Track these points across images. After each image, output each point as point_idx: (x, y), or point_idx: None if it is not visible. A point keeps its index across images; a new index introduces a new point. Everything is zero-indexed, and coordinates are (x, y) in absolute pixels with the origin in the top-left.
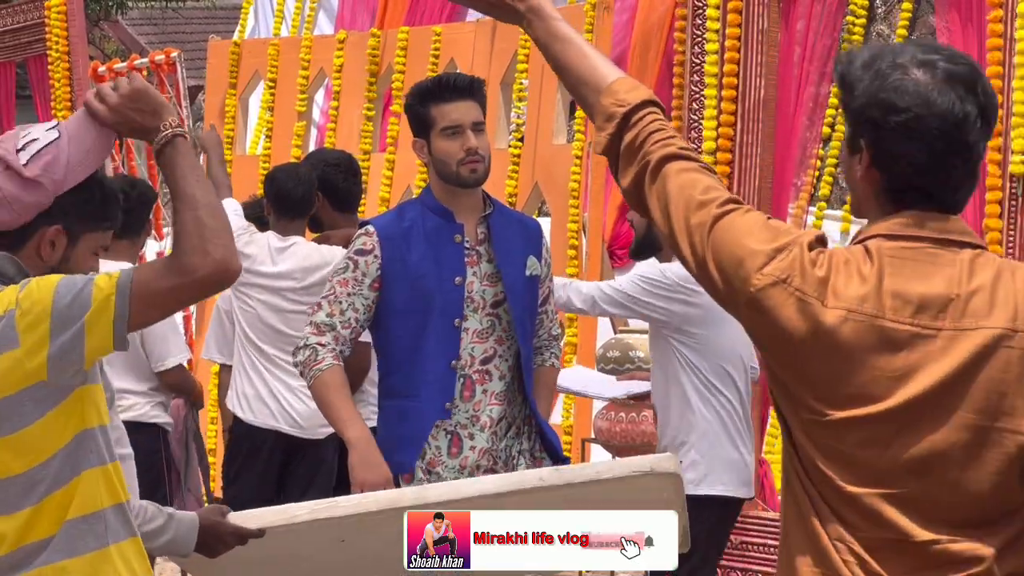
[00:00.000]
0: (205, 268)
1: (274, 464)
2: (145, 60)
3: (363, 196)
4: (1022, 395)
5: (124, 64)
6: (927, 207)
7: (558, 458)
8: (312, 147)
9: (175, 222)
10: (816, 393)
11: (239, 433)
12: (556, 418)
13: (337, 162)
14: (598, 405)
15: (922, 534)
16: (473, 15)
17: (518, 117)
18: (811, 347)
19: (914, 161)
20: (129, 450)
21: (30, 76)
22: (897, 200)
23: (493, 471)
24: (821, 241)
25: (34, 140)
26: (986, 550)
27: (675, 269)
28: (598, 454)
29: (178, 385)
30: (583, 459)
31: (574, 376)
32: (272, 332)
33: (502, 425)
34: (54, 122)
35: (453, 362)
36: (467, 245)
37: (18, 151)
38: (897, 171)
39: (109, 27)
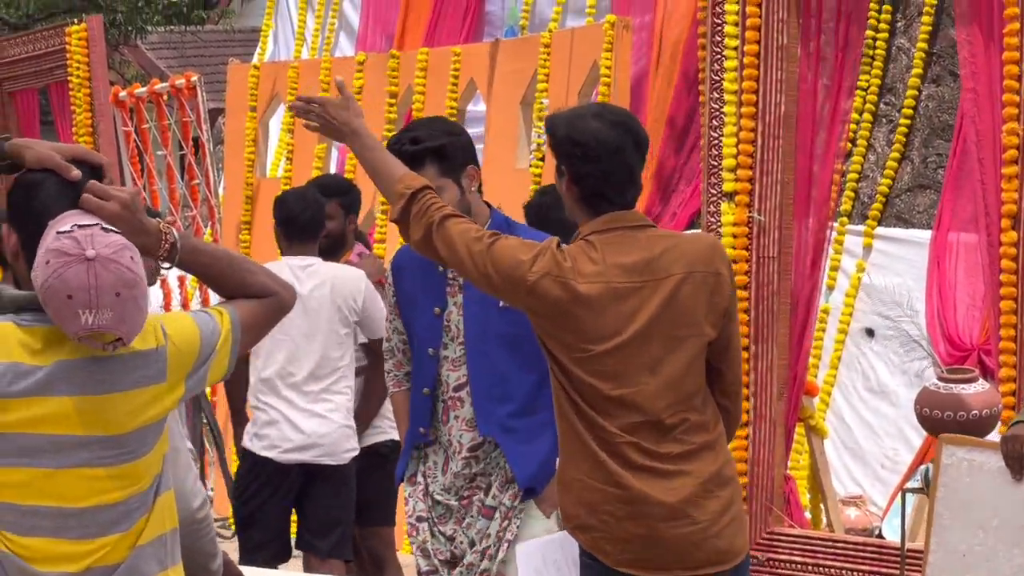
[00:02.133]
0: (288, 298)
1: (292, 493)
2: (165, 85)
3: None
4: (701, 311)
5: (144, 89)
6: (612, 208)
7: (526, 488)
8: (333, 169)
9: (231, 281)
10: (581, 337)
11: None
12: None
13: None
14: None
15: (656, 409)
16: (491, 35)
17: (539, 137)
18: (574, 309)
19: (594, 176)
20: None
21: (52, 102)
22: (592, 204)
23: (470, 496)
24: (559, 245)
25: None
26: (696, 415)
27: None
28: None
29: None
30: None
31: None
32: (301, 353)
33: (474, 450)
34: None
35: (426, 389)
36: (450, 275)
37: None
38: (585, 184)
39: (129, 51)
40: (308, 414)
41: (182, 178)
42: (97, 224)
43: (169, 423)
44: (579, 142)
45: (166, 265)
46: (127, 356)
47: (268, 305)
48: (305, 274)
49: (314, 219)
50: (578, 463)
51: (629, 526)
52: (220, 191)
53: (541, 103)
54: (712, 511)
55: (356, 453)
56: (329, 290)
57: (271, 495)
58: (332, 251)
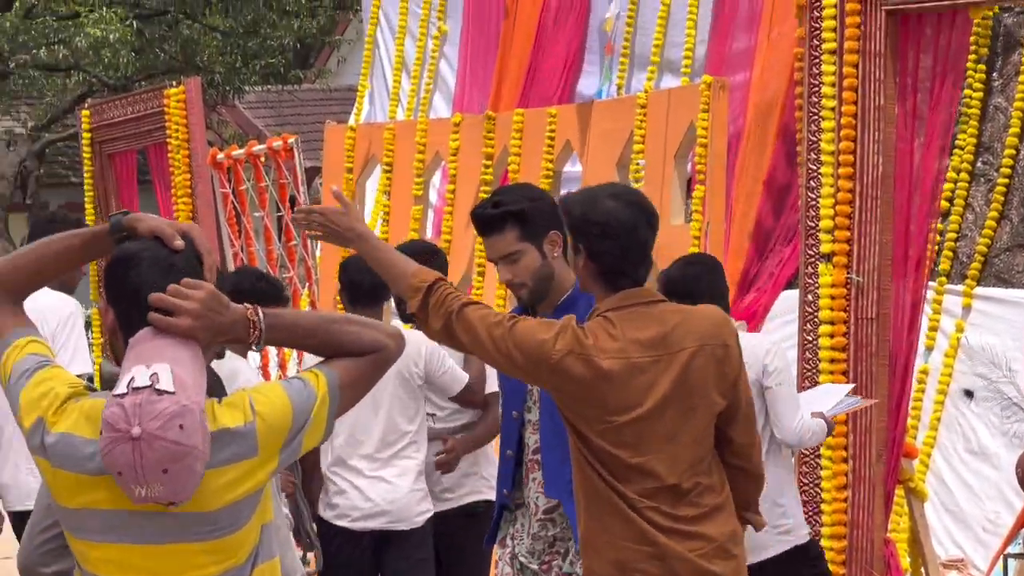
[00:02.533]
0: (395, 347)
1: (368, 559)
2: (263, 146)
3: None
4: (711, 382)
5: (242, 151)
6: (628, 283)
7: None
8: (429, 231)
9: (328, 345)
10: (604, 411)
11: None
12: None
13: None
14: None
15: (673, 475)
16: (585, 95)
17: None
18: (597, 384)
19: (611, 254)
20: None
21: (150, 163)
22: (609, 280)
23: (550, 560)
24: (577, 323)
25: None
26: (706, 479)
27: None
28: None
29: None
30: None
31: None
32: (367, 424)
33: (549, 513)
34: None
35: (509, 451)
36: None
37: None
38: (603, 261)
39: (226, 111)
40: (376, 481)
41: (279, 239)
42: (150, 387)
43: (271, 493)
44: (597, 221)
45: (256, 348)
46: (216, 433)
47: (371, 360)
48: None
49: (376, 284)
50: (607, 525)
51: None
52: (317, 252)
53: (637, 164)
54: (732, 568)
55: (429, 515)
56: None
57: (348, 563)
58: None
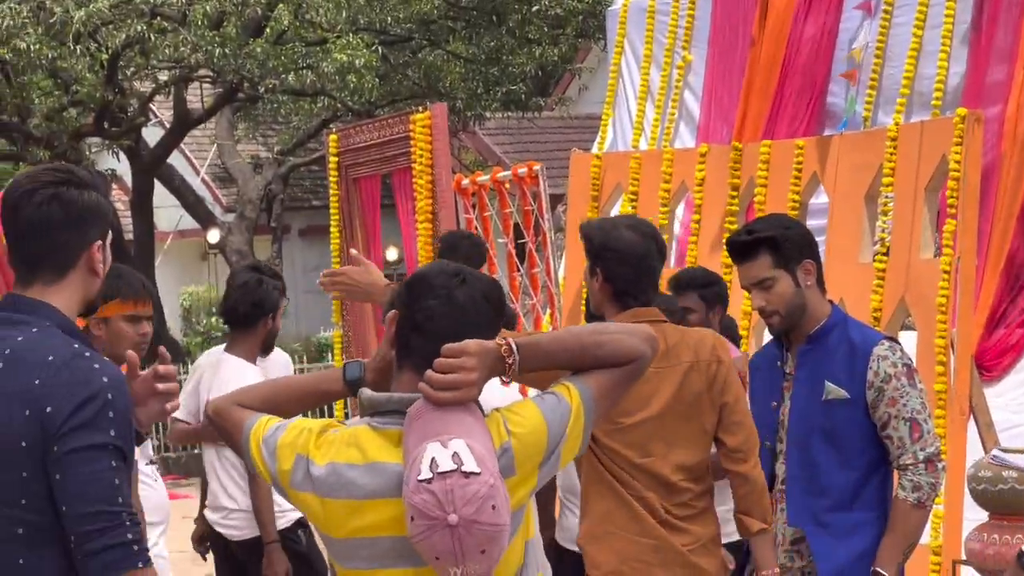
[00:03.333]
0: (649, 352)
1: None
2: (508, 173)
3: None
4: (705, 393)
5: (487, 177)
6: (637, 304)
7: None
8: (673, 262)
9: (582, 360)
10: (615, 413)
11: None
12: (924, 538)
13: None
14: (969, 525)
15: (671, 476)
16: (830, 126)
17: (883, 231)
18: None
19: (625, 278)
20: None
21: (394, 187)
22: (621, 300)
23: None
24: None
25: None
26: (697, 485)
27: None
28: None
29: None
30: None
31: None
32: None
33: (796, 544)
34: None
35: None
36: (787, 370)
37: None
38: (617, 284)
39: (467, 137)
40: None
41: (522, 266)
42: (456, 470)
43: (532, 509)
44: (615, 248)
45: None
46: None
47: (627, 369)
48: None
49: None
50: (614, 519)
51: (657, 572)
52: (560, 278)
53: (886, 197)
54: (716, 566)
55: None
56: None
57: None
58: None
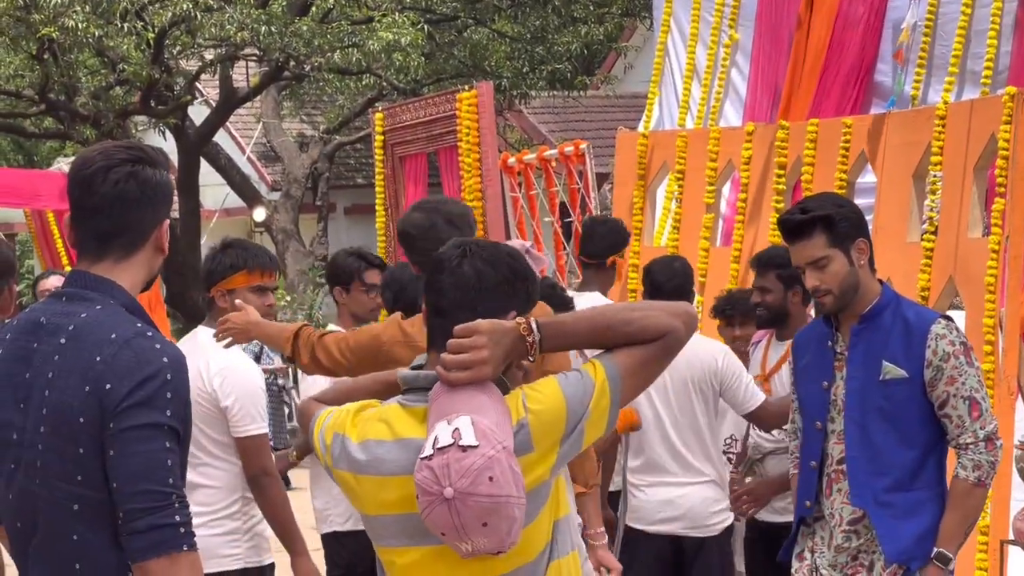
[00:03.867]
0: (683, 329)
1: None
2: (554, 151)
3: None
4: None
5: (534, 155)
6: None
7: (900, 561)
8: (719, 240)
9: (611, 338)
10: None
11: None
12: None
13: None
14: (1017, 505)
15: None
16: (877, 105)
17: (931, 210)
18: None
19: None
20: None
21: (440, 165)
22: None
23: (853, 574)
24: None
25: None
26: None
27: None
28: (1016, 557)
29: None
30: (1001, 563)
31: None
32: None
33: (854, 524)
34: None
35: (813, 463)
36: (837, 350)
37: None
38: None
39: (512, 116)
40: (675, 487)
41: (568, 244)
42: (454, 444)
43: (562, 487)
44: (405, 231)
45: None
46: None
47: (659, 345)
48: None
49: (681, 287)
50: None
51: None
52: None
53: (934, 176)
54: None
55: (727, 524)
56: (684, 364)
57: (645, 568)
58: (772, 324)
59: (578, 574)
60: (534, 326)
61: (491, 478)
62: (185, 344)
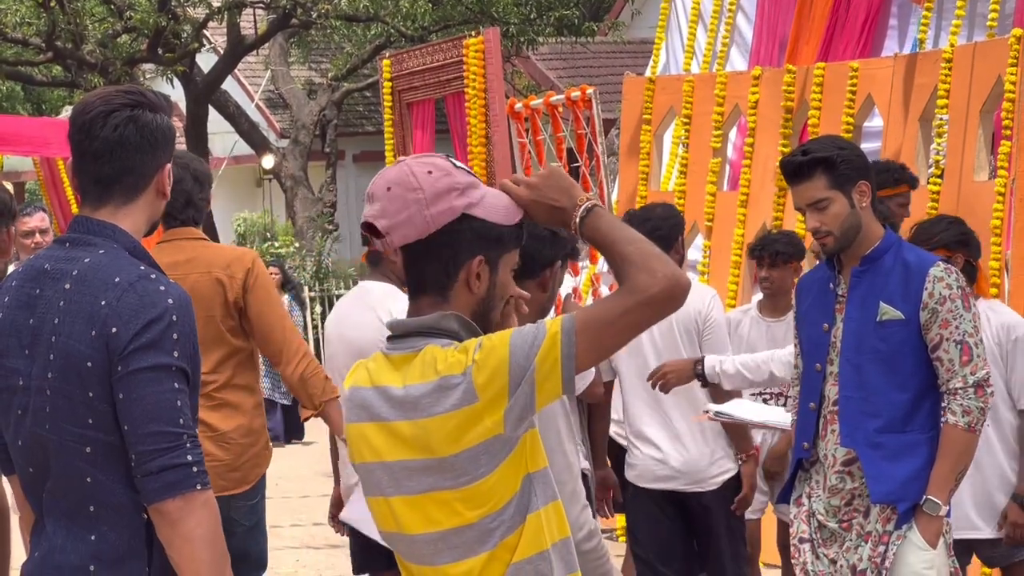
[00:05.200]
0: (656, 285)
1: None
2: (561, 96)
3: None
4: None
5: (540, 101)
6: (175, 224)
7: (884, 501)
8: (726, 184)
9: (617, 264)
10: None
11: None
12: None
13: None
14: None
15: None
16: (888, 48)
17: (937, 154)
18: None
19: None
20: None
21: (447, 112)
22: (163, 221)
23: (849, 519)
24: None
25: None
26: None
27: None
28: None
29: None
30: None
31: (736, 407)
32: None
33: (847, 465)
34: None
35: (812, 404)
36: (839, 292)
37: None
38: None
39: (520, 62)
40: (674, 442)
41: None
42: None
43: (536, 443)
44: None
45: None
46: (439, 382)
47: (634, 302)
48: None
49: (669, 235)
50: None
51: None
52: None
53: (940, 120)
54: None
55: (728, 476)
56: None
57: (651, 522)
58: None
59: (562, 522)
60: (592, 203)
61: (430, 171)
62: (357, 297)
